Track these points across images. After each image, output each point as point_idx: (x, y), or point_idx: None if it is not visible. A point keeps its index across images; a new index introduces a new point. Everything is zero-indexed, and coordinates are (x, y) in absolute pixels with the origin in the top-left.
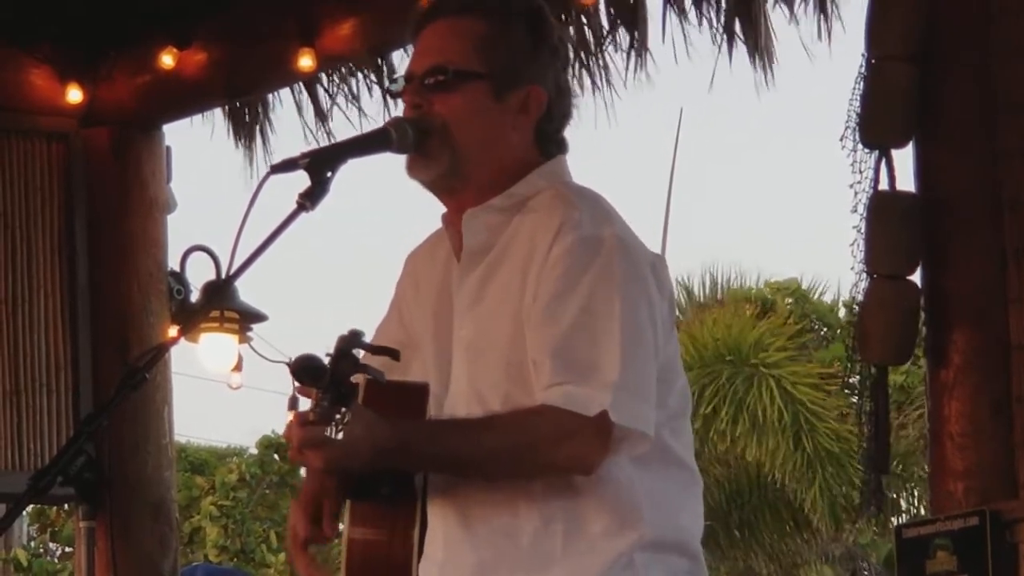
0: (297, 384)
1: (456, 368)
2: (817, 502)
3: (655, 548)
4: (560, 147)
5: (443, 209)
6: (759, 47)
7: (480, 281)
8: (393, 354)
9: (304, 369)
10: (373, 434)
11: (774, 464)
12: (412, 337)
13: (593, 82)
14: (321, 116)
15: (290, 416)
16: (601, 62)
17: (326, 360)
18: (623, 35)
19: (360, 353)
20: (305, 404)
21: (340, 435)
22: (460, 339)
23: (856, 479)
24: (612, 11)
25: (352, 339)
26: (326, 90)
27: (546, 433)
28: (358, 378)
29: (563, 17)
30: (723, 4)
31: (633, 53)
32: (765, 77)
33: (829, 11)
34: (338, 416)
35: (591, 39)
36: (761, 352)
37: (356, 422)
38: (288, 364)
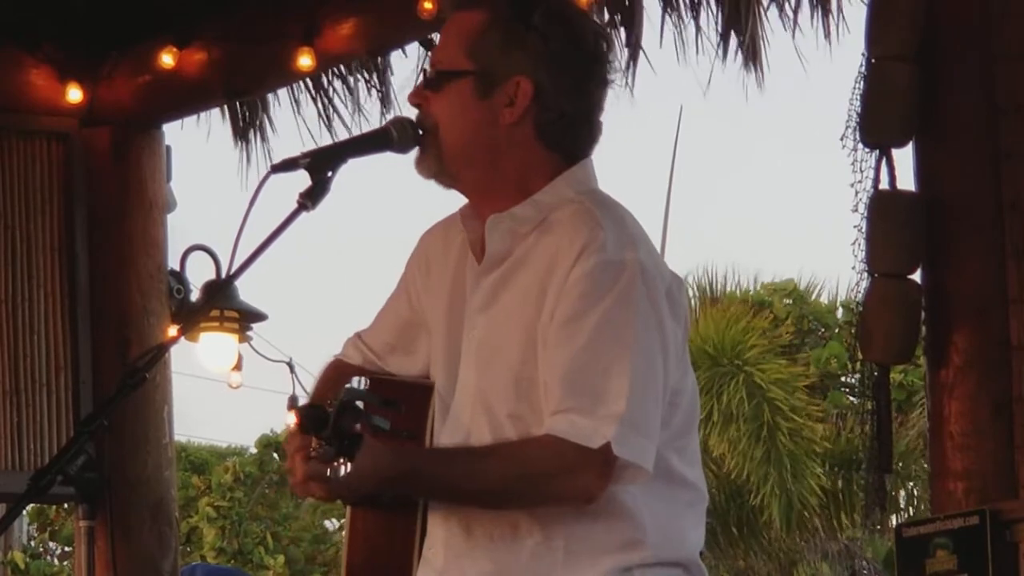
0: (303, 433)
1: (464, 370)
2: (772, 499)
3: (658, 566)
4: (577, 140)
5: (462, 201)
6: (755, 48)
7: (496, 285)
8: (396, 406)
9: (308, 419)
10: (378, 469)
11: (735, 459)
12: (418, 316)
13: None
14: (323, 115)
15: (290, 416)
16: None
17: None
18: (620, 35)
19: (362, 404)
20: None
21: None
22: (471, 339)
23: (812, 482)
24: (607, 11)
25: (354, 392)
26: (325, 90)
27: (550, 466)
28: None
29: None
30: (719, 5)
31: (629, 53)
32: (758, 77)
33: (828, 11)
34: (337, 465)
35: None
36: (738, 347)
37: (364, 457)
38: (295, 409)
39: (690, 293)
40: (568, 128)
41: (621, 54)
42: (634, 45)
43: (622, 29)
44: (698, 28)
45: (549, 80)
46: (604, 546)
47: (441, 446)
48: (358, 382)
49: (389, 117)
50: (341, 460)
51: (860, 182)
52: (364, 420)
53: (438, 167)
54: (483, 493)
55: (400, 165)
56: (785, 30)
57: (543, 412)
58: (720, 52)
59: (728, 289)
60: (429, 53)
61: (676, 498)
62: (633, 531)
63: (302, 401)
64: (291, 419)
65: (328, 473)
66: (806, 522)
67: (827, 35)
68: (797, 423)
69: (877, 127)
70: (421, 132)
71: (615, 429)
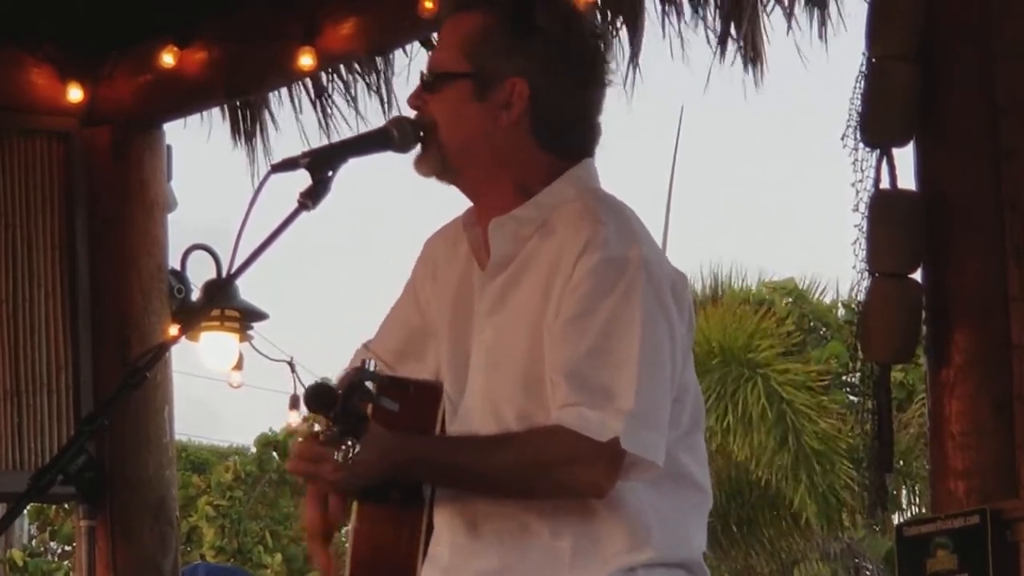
0: (310, 411)
1: (472, 374)
2: (806, 501)
3: (662, 567)
4: (576, 141)
5: (466, 204)
6: (754, 47)
7: (502, 289)
8: (406, 388)
9: (316, 397)
10: (384, 454)
11: (760, 463)
12: (427, 322)
13: None
14: (322, 115)
15: (291, 415)
16: None
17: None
18: (621, 36)
19: (371, 385)
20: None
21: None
22: (479, 344)
23: (845, 477)
24: (608, 11)
25: (364, 373)
26: (326, 89)
27: (558, 456)
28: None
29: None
30: (718, 4)
31: (629, 52)
32: (756, 76)
33: (829, 10)
34: (345, 447)
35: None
36: (751, 352)
37: (369, 445)
38: (303, 395)
39: (696, 292)
40: (565, 129)
41: (622, 54)
42: (634, 45)
43: (623, 29)
44: (707, 27)
45: (546, 82)
46: (611, 546)
47: (446, 435)
48: (369, 363)
49: (389, 117)
50: (348, 444)
51: (861, 181)
52: (373, 400)
53: (440, 166)
54: (490, 481)
55: (401, 165)
56: (788, 23)
57: (550, 409)
58: (720, 50)
59: (731, 287)
60: (429, 54)
61: (683, 498)
62: (639, 531)
63: (303, 399)
64: (292, 418)
65: (335, 456)
66: (843, 519)
67: (822, 33)
68: (820, 424)
69: (878, 127)
70: (422, 132)
71: (624, 424)
